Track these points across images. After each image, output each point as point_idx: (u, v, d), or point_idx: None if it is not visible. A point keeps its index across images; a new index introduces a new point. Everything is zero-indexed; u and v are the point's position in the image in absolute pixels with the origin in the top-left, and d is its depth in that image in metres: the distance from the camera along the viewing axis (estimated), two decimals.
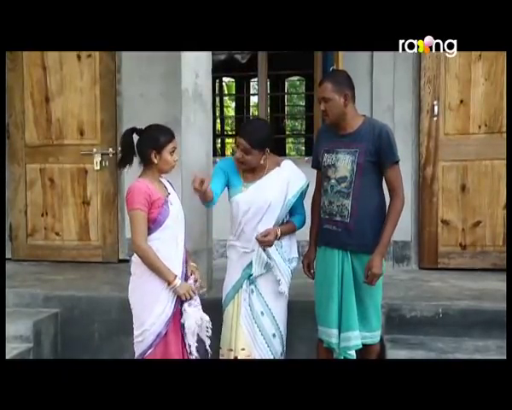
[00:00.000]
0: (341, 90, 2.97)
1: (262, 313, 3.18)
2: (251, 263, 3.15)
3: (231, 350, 3.17)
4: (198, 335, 2.94)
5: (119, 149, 3.06)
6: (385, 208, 3.04)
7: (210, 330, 2.96)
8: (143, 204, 2.82)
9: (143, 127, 3.00)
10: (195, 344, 2.92)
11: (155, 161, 2.91)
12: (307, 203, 3.28)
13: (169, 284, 2.85)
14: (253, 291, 3.17)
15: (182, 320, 2.91)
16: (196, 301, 2.94)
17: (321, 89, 3.02)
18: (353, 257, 3.02)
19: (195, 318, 2.90)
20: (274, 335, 3.20)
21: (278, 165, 3.22)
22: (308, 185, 3.24)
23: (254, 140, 3.07)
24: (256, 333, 3.17)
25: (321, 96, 3.01)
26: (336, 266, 3.04)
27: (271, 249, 3.13)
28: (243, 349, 3.15)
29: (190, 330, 2.89)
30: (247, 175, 3.20)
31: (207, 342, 2.96)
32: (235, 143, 3.17)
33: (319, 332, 3.16)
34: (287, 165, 3.24)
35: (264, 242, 3.08)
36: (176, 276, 2.87)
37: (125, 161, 2.98)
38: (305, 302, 3.59)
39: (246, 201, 3.15)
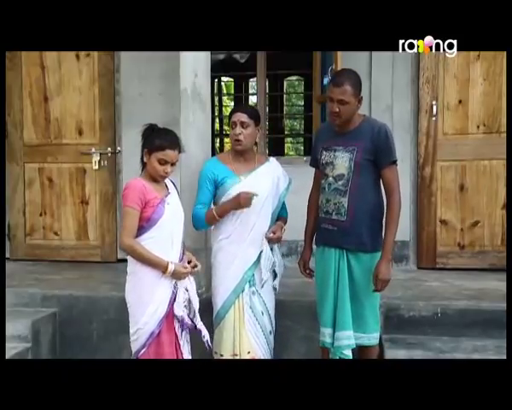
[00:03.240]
0: (358, 94, 2.96)
1: (262, 312, 3.20)
2: (253, 265, 3.17)
3: (236, 355, 3.16)
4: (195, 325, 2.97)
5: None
6: (382, 208, 3.04)
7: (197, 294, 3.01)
8: (136, 202, 2.82)
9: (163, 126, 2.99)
10: (186, 313, 2.93)
11: (145, 159, 2.91)
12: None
13: (164, 272, 2.85)
14: (254, 293, 3.19)
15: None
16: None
17: (339, 91, 2.91)
18: (350, 256, 3.01)
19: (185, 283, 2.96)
20: (270, 332, 3.25)
21: (267, 160, 3.35)
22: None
23: (250, 111, 3.26)
24: (259, 333, 3.19)
25: (339, 98, 2.91)
26: (333, 265, 3.04)
27: (274, 246, 3.23)
28: (249, 352, 3.16)
29: (181, 291, 2.91)
30: (238, 167, 3.22)
31: (207, 335, 2.99)
32: (231, 125, 3.22)
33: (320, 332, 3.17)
34: (274, 160, 3.38)
35: (275, 239, 3.18)
36: (169, 262, 2.86)
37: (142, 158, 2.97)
38: (302, 302, 3.60)
39: (246, 190, 3.13)
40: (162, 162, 2.86)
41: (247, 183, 3.16)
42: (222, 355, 3.19)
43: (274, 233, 3.17)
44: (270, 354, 3.24)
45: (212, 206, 3.22)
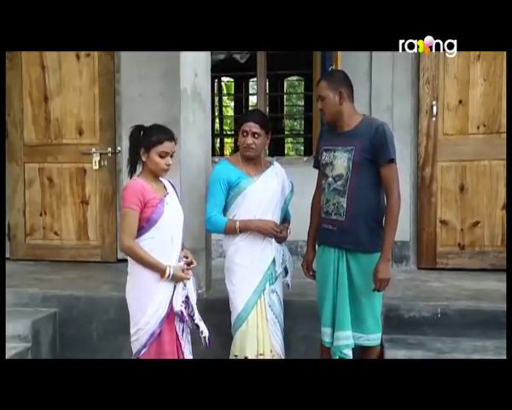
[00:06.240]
0: (336, 89, 3.00)
1: (280, 310, 3.25)
2: (271, 263, 3.20)
3: (261, 355, 3.14)
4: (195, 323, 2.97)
5: (129, 146, 3.01)
6: (382, 208, 3.02)
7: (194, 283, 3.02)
8: (135, 203, 2.82)
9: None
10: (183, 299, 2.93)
11: (144, 159, 2.91)
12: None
13: (162, 276, 2.85)
14: (273, 291, 3.21)
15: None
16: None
17: (317, 87, 3.11)
18: (349, 256, 3.01)
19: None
20: (284, 329, 3.28)
21: (271, 163, 3.37)
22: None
23: (262, 121, 3.20)
24: (278, 331, 3.22)
25: (317, 94, 3.09)
26: (332, 264, 3.05)
27: (283, 244, 3.28)
28: (271, 351, 3.18)
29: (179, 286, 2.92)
30: (249, 170, 3.23)
31: (206, 332, 2.98)
32: (242, 132, 3.18)
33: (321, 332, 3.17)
34: (277, 163, 3.41)
35: (280, 237, 3.20)
36: (167, 266, 2.85)
37: (132, 158, 2.97)
38: (303, 302, 3.60)
39: (260, 190, 3.18)
40: (163, 155, 2.89)
41: (260, 183, 3.20)
42: (246, 357, 3.14)
43: (280, 232, 3.19)
44: (283, 352, 3.25)
45: (237, 218, 3.17)
